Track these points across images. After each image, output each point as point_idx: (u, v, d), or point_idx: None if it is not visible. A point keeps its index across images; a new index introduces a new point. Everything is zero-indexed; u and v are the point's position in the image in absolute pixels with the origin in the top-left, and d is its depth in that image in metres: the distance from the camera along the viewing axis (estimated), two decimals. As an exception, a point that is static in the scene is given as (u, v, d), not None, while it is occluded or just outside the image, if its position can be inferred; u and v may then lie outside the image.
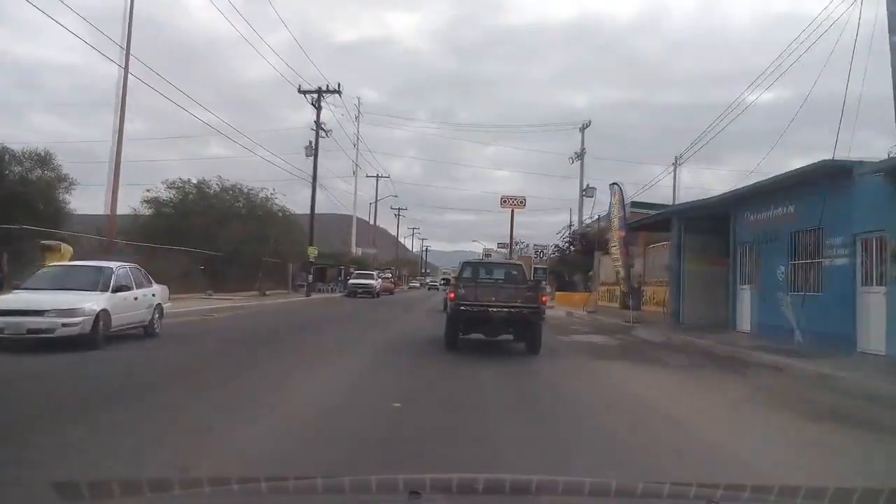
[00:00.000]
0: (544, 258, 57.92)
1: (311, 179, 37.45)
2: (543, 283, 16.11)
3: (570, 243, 38.91)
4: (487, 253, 61.38)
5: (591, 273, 32.90)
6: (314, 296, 39.36)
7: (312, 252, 37.05)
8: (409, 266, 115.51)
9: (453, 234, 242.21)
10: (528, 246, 79.55)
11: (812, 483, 4.13)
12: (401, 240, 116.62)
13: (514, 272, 14.41)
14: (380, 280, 51.71)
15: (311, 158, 37.93)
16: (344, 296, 43.28)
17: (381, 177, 67.57)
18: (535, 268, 50.43)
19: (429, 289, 77.00)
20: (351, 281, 45.27)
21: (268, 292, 37.71)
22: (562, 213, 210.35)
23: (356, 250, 78.37)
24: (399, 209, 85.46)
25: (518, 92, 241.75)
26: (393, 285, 60.63)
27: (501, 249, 75.97)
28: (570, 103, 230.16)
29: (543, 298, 12.14)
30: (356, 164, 65.84)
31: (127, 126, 23.13)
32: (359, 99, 69.24)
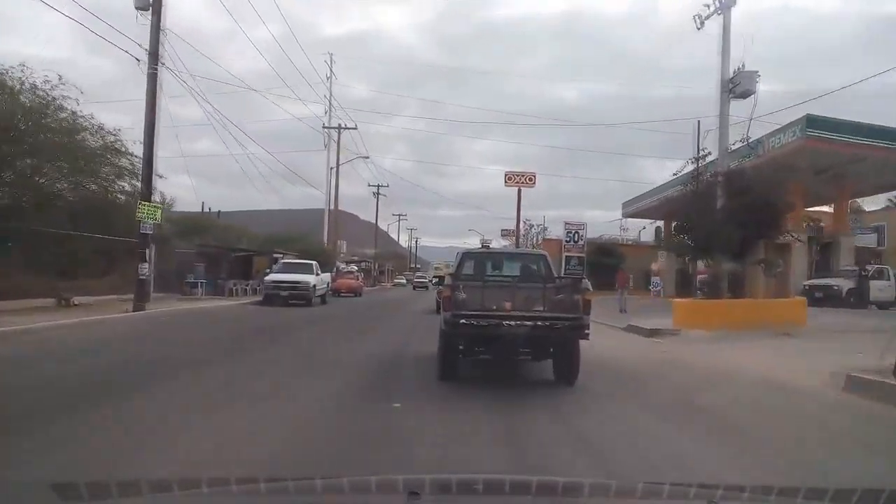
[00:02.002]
0: (579, 242, 40.84)
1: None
2: (585, 280, 8.83)
3: (697, 185, 18.38)
4: (486, 244, 44.20)
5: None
6: (163, 308, 19.77)
7: (149, 215, 17.24)
8: (394, 260, 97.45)
9: (446, 230, 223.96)
10: (544, 229, 59.45)
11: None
12: (395, 236, 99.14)
13: (536, 266, 10.57)
14: (329, 275, 33.42)
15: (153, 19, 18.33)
16: (260, 303, 25.58)
17: (346, 128, 47.33)
18: (566, 256, 36.79)
19: (415, 288, 59.65)
20: (270, 277, 26.82)
21: (76, 301, 19.67)
22: (555, 209, 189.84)
23: (339, 245, 58.66)
24: (378, 186, 64.87)
25: (508, 85, 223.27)
26: (359, 283, 42.17)
27: (505, 240, 56.65)
28: (561, 96, 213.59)
29: (587, 303, 8.01)
30: (326, 128, 46.81)
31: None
32: (331, 56, 48.95)
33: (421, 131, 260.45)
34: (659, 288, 34.46)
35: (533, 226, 60.47)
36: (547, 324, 7.88)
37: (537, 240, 59.25)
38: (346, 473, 3.33)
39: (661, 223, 39.00)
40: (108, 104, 74.26)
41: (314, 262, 28.93)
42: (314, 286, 26.13)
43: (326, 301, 28.26)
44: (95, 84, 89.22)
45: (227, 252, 32.45)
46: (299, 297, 24.88)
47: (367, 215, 79.45)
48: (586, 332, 7.97)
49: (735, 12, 18.17)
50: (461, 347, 8.37)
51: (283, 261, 30.30)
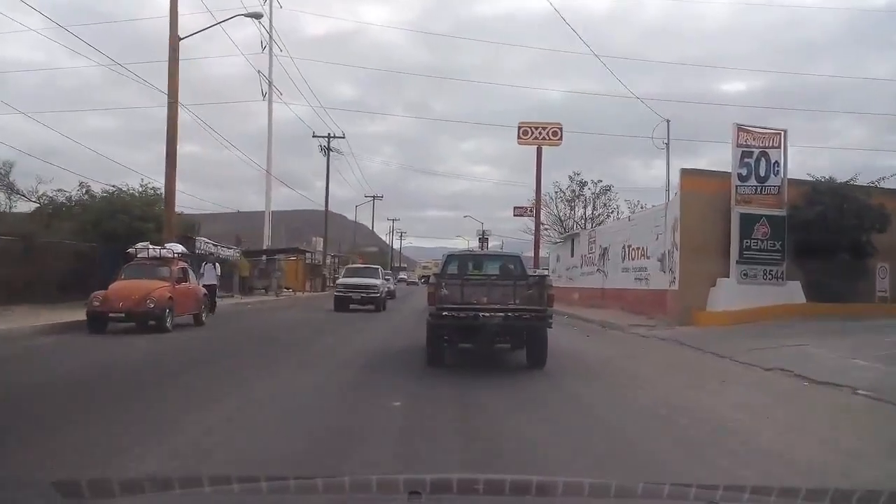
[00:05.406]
0: (770, 182, 18.56)
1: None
2: (548, 276, 11.93)
3: None
4: (485, 237, 40.21)
5: None
6: None
7: None
8: (369, 257, 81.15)
9: (436, 231, 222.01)
10: (607, 189, 44.34)
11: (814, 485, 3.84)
12: (385, 236, 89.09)
13: (512, 265, 12.24)
14: None
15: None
16: None
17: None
18: (742, 215, 18.09)
19: (339, 302, 24.78)
20: None
21: None
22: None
23: (314, 242, 52.32)
24: (329, 136, 44.05)
25: (492, 83, 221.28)
26: (168, 290, 14.21)
27: (525, 218, 42.61)
28: (545, 94, 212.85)
29: (551, 297, 9.66)
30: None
31: None
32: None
33: (409, 132, 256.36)
34: None
35: (586, 183, 43.47)
36: (516, 314, 9.48)
37: (602, 198, 43.56)
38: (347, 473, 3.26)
39: None
40: None
41: None
42: None
43: None
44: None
45: None
46: None
47: (361, 217, 72.55)
48: (549, 321, 9.59)
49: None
50: (446, 336, 9.95)
51: None
